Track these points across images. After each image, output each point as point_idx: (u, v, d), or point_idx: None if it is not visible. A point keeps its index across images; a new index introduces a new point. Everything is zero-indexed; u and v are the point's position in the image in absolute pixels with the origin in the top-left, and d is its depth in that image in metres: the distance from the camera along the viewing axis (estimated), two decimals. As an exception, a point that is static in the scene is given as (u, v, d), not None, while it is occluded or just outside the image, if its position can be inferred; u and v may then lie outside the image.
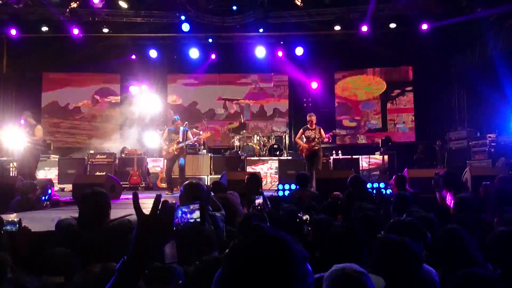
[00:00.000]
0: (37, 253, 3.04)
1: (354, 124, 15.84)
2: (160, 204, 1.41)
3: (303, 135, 10.08)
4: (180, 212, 1.57)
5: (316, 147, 9.90)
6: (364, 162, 12.67)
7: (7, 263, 2.59)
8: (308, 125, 10.08)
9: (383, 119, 15.62)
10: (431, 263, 2.78)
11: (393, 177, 6.62)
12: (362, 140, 15.55)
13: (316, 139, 9.85)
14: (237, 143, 13.54)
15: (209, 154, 12.76)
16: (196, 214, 1.57)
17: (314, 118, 10.16)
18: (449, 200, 5.71)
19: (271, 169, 12.15)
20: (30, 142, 9.18)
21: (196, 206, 1.54)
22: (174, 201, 1.47)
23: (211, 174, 12.09)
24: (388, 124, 15.54)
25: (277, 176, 11.67)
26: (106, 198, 3.44)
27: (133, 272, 1.35)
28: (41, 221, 4.75)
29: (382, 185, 7.55)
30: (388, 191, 6.67)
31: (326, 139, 9.91)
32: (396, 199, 4.75)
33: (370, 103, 15.78)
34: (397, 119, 15.48)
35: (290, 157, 12.76)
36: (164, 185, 10.63)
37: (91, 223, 3.31)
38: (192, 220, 1.60)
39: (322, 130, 10.05)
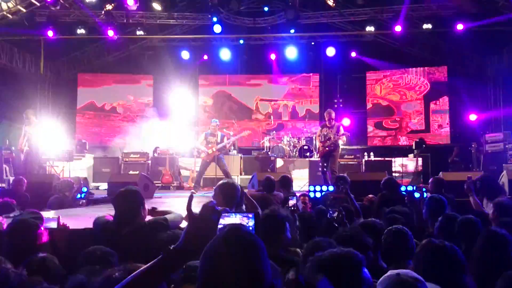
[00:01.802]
0: (75, 250, 3.12)
1: (395, 125, 15.56)
2: (209, 209, 1.53)
3: (321, 134, 9.52)
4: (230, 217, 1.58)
5: (332, 147, 9.29)
6: (398, 164, 12.45)
7: (54, 265, 2.66)
8: (327, 123, 9.50)
9: (426, 120, 15.27)
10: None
11: (430, 180, 6.46)
12: (403, 141, 15.23)
13: (331, 139, 9.24)
14: (267, 144, 13.55)
15: (239, 155, 12.82)
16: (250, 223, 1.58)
17: (332, 114, 9.50)
18: (486, 204, 5.56)
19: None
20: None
21: (250, 216, 1.56)
22: (222, 208, 1.54)
23: (241, 174, 12.13)
24: (432, 125, 15.20)
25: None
26: (139, 196, 3.48)
27: (173, 261, 1.46)
28: (78, 219, 4.86)
29: (414, 188, 7.38)
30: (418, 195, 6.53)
31: (341, 140, 9.28)
32: (430, 202, 4.62)
33: (412, 103, 15.48)
34: (440, 120, 15.14)
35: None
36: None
37: (127, 221, 3.37)
38: None
39: (341, 128, 9.44)
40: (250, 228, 1.53)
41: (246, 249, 1.36)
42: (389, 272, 1.78)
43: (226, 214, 1.56)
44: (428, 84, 15.22)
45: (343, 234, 2.75)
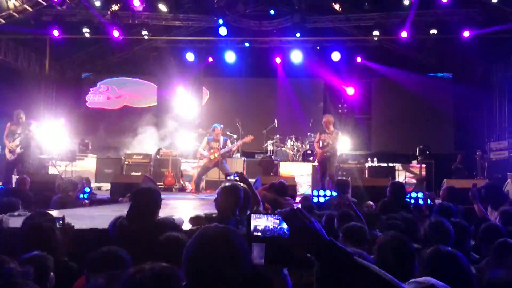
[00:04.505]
0: (80, 249, 3.10)
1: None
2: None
3: (320, 140, 9.52)
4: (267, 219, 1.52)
5: (329, 153, 9.27)
6: (401, 170, 12.41)
7: (49, 263, 2.64)
8: (325, 129, 9.45)
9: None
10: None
11: (442, 188, 6.44)
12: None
13: (329, 145, 9.25)
14: (270, 147, 13.50)
15: (243, 158, 12.77)
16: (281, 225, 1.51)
17: (330, 119, 9.47)
18: (490, 212, 5.55)
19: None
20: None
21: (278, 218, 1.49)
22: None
23: (244, 178, 12.06)
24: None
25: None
26: (159, 196, 3.61)
27: None
28: (81, 218, 4.84)
29: (420, 194, 7.34)
30: (428, 202, 6.49)
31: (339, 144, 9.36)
32: (438, 209, 4.61)
33: (428, 108, 15.06)
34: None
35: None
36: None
37: (141, 217, 3.42)
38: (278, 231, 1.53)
39: (339, 135, 9.54)
40: (285, 230, 1.46)
41: (223, 240, 1.54)
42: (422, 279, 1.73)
43: (258, 216, 1.51)
44: (447, 90, 15.10)
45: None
